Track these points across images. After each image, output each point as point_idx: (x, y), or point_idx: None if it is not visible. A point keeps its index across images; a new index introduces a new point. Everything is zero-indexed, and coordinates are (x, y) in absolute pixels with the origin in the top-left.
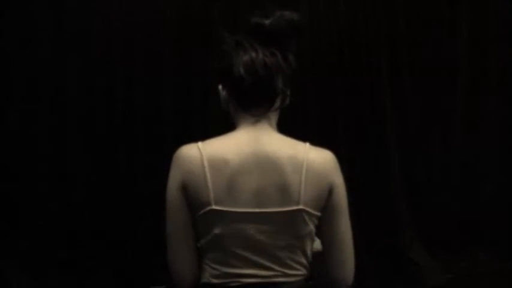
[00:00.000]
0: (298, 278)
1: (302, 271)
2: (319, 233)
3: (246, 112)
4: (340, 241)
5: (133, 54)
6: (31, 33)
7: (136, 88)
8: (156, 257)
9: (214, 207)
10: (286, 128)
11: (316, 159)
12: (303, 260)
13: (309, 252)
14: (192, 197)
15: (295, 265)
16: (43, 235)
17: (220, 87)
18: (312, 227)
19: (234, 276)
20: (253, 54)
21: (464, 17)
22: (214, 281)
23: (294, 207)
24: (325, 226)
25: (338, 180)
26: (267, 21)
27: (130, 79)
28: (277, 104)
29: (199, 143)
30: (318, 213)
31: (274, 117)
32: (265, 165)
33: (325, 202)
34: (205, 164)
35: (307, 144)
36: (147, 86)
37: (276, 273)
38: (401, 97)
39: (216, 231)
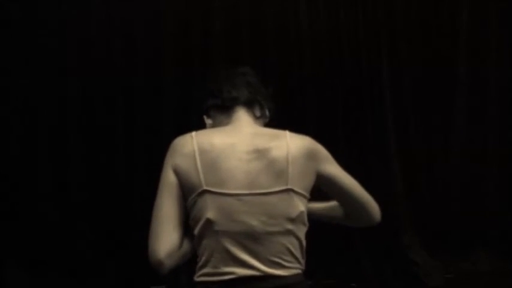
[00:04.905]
0: (293, 272)
1: (296, 265)
2: (335, 198)
3: (229, 112)
4: (351, 189)
5: (134, 64)
6: (32, 41)
7: (137, 99)
8: None
9: (205, 187)
10: (286, 128)
11: (298, 143)
12: (297, 253)
13: (303, 241)
14: (184, 180)
15: (288, 258)
16: (43, 235)
17: (204, 117)
18: (302, 208)
19: (227, 269)
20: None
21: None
22: (210, 270)
23: (283, 187)
24: (333, 190)
25: (321, 156)
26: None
27: (130, 90)
28: (257, 110)
29: (193, 132)
30: (306, 194)
31: (258, 122)
32: (253, 151)
33: (314, 179)
34: (195, 148)
35: (287, 132)
36: (147, 97)
37: (269, 265)
38: (401, 97)
39: (209, 215)
